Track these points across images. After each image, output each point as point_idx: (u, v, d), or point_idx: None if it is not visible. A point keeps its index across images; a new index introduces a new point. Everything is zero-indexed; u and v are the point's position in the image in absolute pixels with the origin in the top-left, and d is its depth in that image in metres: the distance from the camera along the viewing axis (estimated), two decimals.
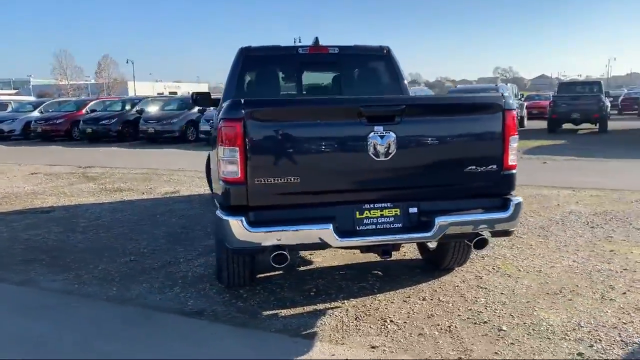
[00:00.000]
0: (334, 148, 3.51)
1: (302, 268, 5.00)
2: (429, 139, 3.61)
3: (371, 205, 3.63)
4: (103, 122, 20.65)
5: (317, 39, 5.45)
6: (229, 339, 3.60)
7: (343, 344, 3.49)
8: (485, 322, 3.75)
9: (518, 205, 3.72)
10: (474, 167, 3.65)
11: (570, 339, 3.47)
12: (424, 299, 4.18)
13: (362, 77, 5.56)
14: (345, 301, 4.16)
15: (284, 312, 4.00)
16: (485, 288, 4.38)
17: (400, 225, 3.65)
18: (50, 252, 5.66)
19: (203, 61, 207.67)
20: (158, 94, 64.31)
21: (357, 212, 3.61)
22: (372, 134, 3.46)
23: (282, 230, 3.43)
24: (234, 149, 3.40)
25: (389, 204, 3.65)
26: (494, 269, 4.84)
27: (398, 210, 3.66)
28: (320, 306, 4.08)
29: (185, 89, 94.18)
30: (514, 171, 3.76)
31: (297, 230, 3.45)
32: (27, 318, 3.99)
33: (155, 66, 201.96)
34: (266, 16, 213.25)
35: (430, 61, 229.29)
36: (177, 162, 13.51)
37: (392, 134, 3.47)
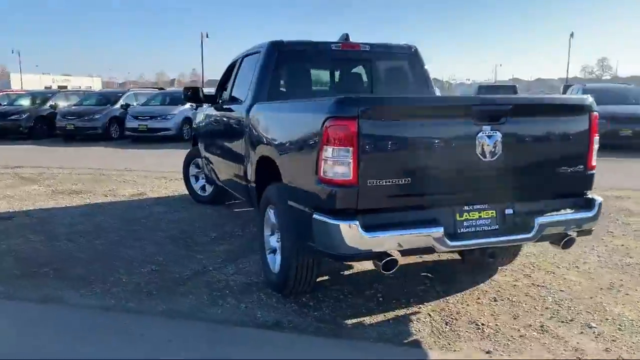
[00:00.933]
0: (444, 148, 3.40)
1: (346, 272, 4.81)
2: (528, 139, 3.59)
3: (470, 207, 3.55)
4: (12, 117, 18.84)
5: (347, 35, 5.28)
6: (337, 352, 3.36)
7: (455, 350, 3.38)
8: (571, 320, 3.80)
9: (600, 204, 3.81)
10: (565, 167, 3.69)
11: None
12: (494, 300, 4.17)
13: (392, 75, 5.47)
14: (420, 306, 4.05)
15: (366, 319, 3.82)
16: (542, 286, 4.45)
17: (497, 227, 3.60)
18: (50, 263, 5.02)
19: (95, 55, 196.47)
20: (45, 87, 60.19)
21: (458, 214, 3.52)
22: (480, 133, 3.39)
23: (399, 235, 3.27)
24: (346, 149, 3.18)
25: (486, 206, 3.59)
26: (533, 266, 4.93)
27: (494, 211, 3.61)
28: (399, 312, 3.94)
29: (76, 83, 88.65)
30: (594, 171, 3.84)
31: (412, 234, 3.30)
32: (86, 342, 3.49)
33: (42, 58, 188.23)
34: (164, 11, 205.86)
35: None
36: (117, 162, 12.67)
37: (499, 134, 3.42)
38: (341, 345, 3.45)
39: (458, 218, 3.51)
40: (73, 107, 19.16)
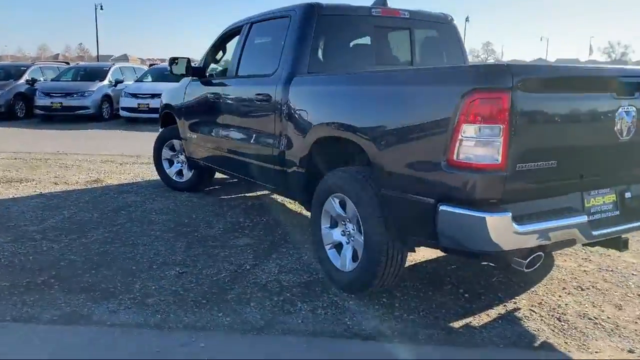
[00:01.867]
0: (590, 125, 3.01)
1: None
2: None
3: (596, 191, 3.20)
4: None
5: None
6: None
7: (596, 352, 3.04)
8: None
9: None
10: None
11: None
12: (580, 289, 3.90)
13: (431, 45, 4.99)
14: (513, 300, 3.69)
15: (471, 321, 3.38)
16: (612, 270, 4.26)
17: (618, 212, 3.29)
18: (43, 271, 4.09)
19: None
20: None
21: (585, 200, 3.16)
22: (620, 109, 3.03)
23: (549, 226, 2.84)
24: (495, 128, 2.69)
25: (608, 189, 3.26)
26: (583, 249, 4.73)
27: (615, 195, 3.29)
28: (499, 310, 3.55)
29: None
30: None
31: (560, 224, 2.89)
32: None
33: None
34: None
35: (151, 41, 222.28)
36: (39, 144, 11.22)
37: (633, 109, 3.09)
38: (474, 355, 2.99)
39: (586, 204, 3.15)
40: None
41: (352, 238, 3.69)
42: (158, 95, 14.58)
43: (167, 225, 5.29)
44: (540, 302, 3.65)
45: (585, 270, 4.23)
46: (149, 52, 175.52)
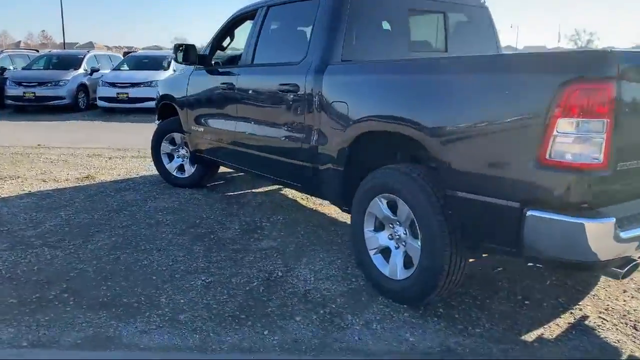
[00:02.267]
0: None
1: None
2: None
3: None
4: None
5: None
6: None
7: None
8: None
9: None
10: None
11: None
12: None
13: (464, 30, 4.64)
14: (578, 307, 3.41)
15: (542, 333, 3.10)
16: None
17: None
18: (52, 283, 3.66)
19: None
20: None
21: None
22: None
23: None
24: (597, 122, 2.38)
25: None
26: None
27: None
28: (568, 318, 3.27)
29: None
30: None
31: None
32: None
33: None
34: None
35: (115, 29, 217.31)
36: (15, 136, 10.56)
37: None
38: None
39: None
40: None
41: (404, 243, 3.35)
42: (137, 85, 14.13)
43: (178, 227, 4.87)
44: (607, 308, 3.38)
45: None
46: (114, 40, 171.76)
